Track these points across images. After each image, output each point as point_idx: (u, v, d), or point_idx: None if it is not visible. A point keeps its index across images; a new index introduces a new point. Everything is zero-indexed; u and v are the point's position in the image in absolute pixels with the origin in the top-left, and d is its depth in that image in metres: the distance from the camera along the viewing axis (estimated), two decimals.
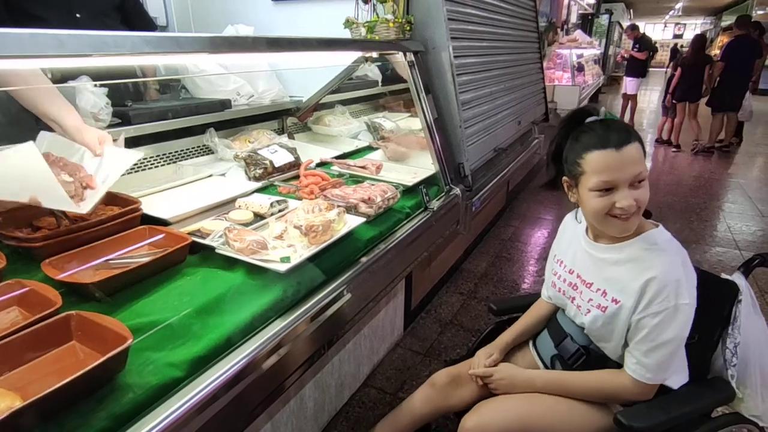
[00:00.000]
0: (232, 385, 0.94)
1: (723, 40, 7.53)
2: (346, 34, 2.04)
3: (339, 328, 1.36)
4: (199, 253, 1.25)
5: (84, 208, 1.14)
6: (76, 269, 1.06)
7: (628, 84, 8.27)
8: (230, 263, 1.19)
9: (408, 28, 1.97)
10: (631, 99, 8.33)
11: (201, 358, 0.92)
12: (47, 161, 1.21)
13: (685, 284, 1.04)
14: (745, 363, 1.18)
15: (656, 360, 1.06)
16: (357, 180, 1.83)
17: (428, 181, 1.94)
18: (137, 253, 1.19)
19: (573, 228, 1.29)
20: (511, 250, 3.54)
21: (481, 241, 3.64)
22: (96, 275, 1.04)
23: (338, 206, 1.40)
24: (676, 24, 26.02)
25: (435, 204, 1.84)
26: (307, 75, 2.41)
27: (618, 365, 1.17)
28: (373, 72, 3.02)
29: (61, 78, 1.60)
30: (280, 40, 1.31)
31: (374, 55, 1.95)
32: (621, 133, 1.04)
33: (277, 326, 1.07)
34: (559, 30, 7.88)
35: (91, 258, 1.12)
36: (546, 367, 1.32)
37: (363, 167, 1.92)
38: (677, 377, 1.11)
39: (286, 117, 2.42)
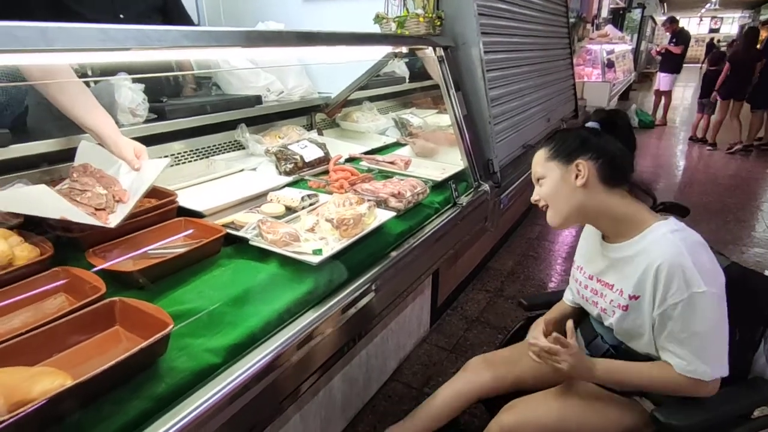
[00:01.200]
0: (265, 374, 0.96)
1: (764, 34, 7.19)
2: (375, 30, 2.04)
3: (368, 322, 1.37)
4: (233, 244, 1.28)
5: (112, 222, 1.17)
6: (118, 258, 1.10)
7: (662, 80, 8.03)
8: (263, 255, 1.22)
9: (438, 23, 1.97)
10: (664, 95, 8.09)
11: (237, 346, 0.94)
12: (86, 172, 1.27)
13: (695, 271, 1.01)
14: None
15: (690, 351, 1.04)
16: (386, 175, 1.84)
17: (457, 177, 1.93)
18: (174, 243, 1.22)
19: (594, 234, 1.29)
20: (539, 249, 3.49)
21: (507, 240, 3.60)
22: (136, 264, 1.07)
23: (368, 200, 1.41)
24: (713, 18, 25.14)
25: (464, 200, 1.83)
26: (336, 71, 2.43)
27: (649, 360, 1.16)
28: (400, 68, 3.02)
29: (100, 74, 1.66)
30: (313, 34, 1.32)
31: (404, 50, 1.95)
32: (543, 141, 1.21)
33: (309, 317, 1.09)
34: (588, 25, 7.71)
35: (131, 247, 1.15)
36: None
37: (392, 163, 1.93)
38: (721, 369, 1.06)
39: (315, 113, 2.44)
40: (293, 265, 1.18)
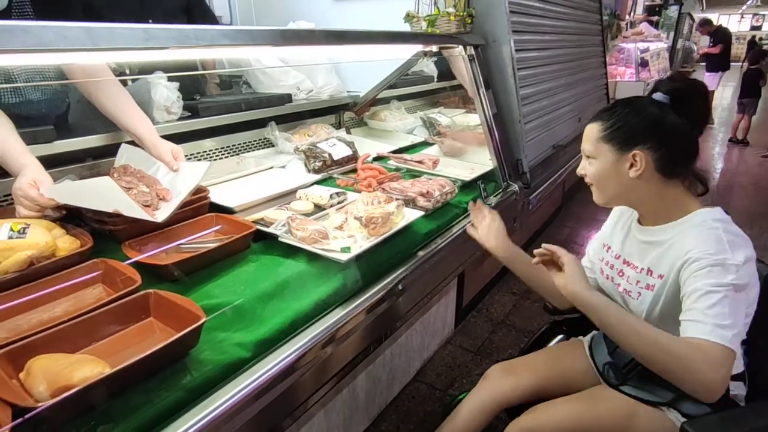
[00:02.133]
0: (293, 370, 0.96)
1: None
2: (405, 29, 2.04)
3: (394, 321, 1.37)
4: (262, 240, 1.30)
5: (159, 217, 1.22)
6: (152, 251, 1.13)
7: (707, 79, 7.82)
8: (292, 251, 1.23)
9: (469, 21, 1.95)
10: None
11: (266, 341, 0.95)
12: (126, 172, 1.32)
13: (730, 254, 0.94)
14: None
15: (706, 306, 0.91)
16: (414, 174, 1.83)
17: (485, 177, 1.91)
18: (205, 239, 1.25)
19: (627, 215, 1.24)
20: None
21: (535, 241, 3.54)
22: (169, 258, 1.10)
23: (397, 199, 1.41)
24: (754, 15, 24.13)
25: (492, 200, 1.81)
26: (365, 70, 2.43)
27: None
28: (429, 68, 3.01)
29: (138, 73, 1.71)
30: (345, 33, 1.33)
31: (434, 49, 1.93)
32: (599, 112, 1.11)
33: (337, 315, 1.09)
34: (622, 23, 7.52)
35: (164, 241, 1.19)
36: (600, 373, 1.27)
37: (420, 162, 1.92)
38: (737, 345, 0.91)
39: (343, 112, 2.46)
40: (321, 263, 1.19)
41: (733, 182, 5.16)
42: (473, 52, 1.94)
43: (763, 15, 23.96)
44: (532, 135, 2.30)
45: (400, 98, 2.80)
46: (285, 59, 2.18)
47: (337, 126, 2.42)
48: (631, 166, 1.04)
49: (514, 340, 2.40)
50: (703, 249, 0.96)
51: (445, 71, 3.07)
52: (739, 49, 18.76)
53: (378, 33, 1.47)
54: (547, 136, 2.52)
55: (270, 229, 1.28)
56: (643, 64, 7.06)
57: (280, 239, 1.25)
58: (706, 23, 7.94)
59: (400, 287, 1.27)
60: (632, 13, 8.54)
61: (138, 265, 1.03)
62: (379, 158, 2.07)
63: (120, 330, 0.89)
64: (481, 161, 2.03)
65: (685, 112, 1.02)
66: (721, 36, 7.69)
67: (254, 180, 1.75)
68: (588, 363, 1.33)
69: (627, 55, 6.84)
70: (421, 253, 1.40)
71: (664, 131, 1.02)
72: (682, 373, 0.90)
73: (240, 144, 1.99)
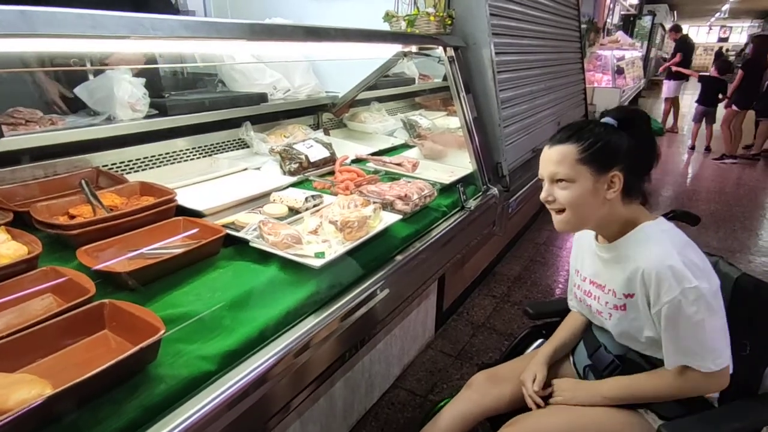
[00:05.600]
0: (263, 381, 0.91)
1: None
2: (385, 29, 2.00)
3: (371, 328, 1.32)
4: (233, 245, 1.23)
5: None
6: (111, 258, 1.05)
7: (665, 86, 8.10)
8: (264, 257, 1.17)
9: (449, 22, 1.92)
10: (670, 102, 8.08)
11: (233, 353, 0.89)
12: None
13: (684, 269, 0.97)
14: None
15: (691, 345, 0.99)
16: (393, 177, 1.79)
17: (465, 180, 1.88)
18: (171, 244, 1.17)
19: (586, 236, 1.24)
20: (546, 255, 3.42)
21: (515, 245, 3.54)
22: (130, 265, 1.02)
23: (374, 202, 1.36)
24: (722, 27, 24.99)
25: (472, 203, 1.78)
26: (344, 70, 2.38)
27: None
28: (410, 69, 2.98)
29: (99, 65, 1.61)
30: (319, 29, 1.27)
31: (413, 49, 1.90)
32: (565, 133, 1.07)
33: (310, 323, 1.04)
34: (599, 31, 7.69)
35: (125, 247, 1.10)
36: (580, 377, 1.27)
37: (399, 164, 1.88)
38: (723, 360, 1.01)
39: (322, 112, 2.40)
40: (294, 269, 1.13)
41: (701, 187, 5.29)
42: (453, 53, 1.91)
43: (731, 27, 24.83)
44: (511, 139, 2.28)
45: (380, 100, 2.76)
46: (261, 57, 2.11)
47: (315, 127, 2.35)
48: (609, 188, 1.04)
49: (494, 343, 2.37)
50: (659, 269, 0.98)
51: (426, 73, 3.05)
52: (707, 59, 19.37)
53: (355, 31, 1.42)
54: (526, 139, 2.51)
55: (240, 234, 1.21)
56: (619, 71, 7.21)
57: (251, 244, 1.18)
58: (674, 29, 8.19)
59: (377, 293, 1.22)
60: (609, 22, 8.74)
61: (96, 274, 0.95)
62: (357, 160, 2.02)
63: (70, 344, 0.81)
64: (460, 164, 2.00)
65: (633, 136, 1.05)
66: (680, 45, 7.94)
67: (227, 182, 1.67)
68: (570, 367, 1.32)
69: (604, 62, 6.98)
70: (399, 258, 1.36)
71: (631, 154, 1.04)
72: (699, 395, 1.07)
73: (213, 144, 1.91)
